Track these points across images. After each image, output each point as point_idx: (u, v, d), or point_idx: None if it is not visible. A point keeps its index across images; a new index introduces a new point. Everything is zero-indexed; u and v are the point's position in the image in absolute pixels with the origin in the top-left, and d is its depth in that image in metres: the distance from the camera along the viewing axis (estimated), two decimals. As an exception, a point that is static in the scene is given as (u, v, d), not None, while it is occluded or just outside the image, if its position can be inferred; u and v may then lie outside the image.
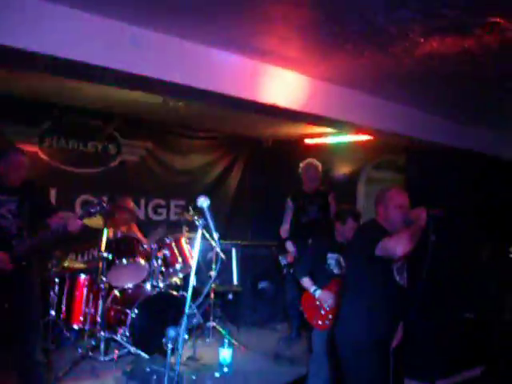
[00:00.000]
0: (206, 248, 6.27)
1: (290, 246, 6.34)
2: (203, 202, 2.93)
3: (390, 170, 8.57)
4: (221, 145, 8.93)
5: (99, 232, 5.61)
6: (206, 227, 2.98)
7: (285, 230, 6.49)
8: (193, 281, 3.03)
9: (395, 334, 4.02)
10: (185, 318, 2.81)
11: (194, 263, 3.00)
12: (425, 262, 3.87)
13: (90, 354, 5.33)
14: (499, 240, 7.98)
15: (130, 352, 5.38)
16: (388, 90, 5.35)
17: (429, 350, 5.63)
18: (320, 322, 4.87)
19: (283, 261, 6.42)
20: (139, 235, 6.31)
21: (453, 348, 5.91)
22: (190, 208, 6.21)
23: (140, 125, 7.76)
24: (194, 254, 3.08)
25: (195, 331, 5.82)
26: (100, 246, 5.53)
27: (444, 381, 4.42)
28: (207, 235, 3.98)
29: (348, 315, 3.95)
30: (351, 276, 4.00)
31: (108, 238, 5.65)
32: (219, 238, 2.91)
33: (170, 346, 2.85)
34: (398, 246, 3.56)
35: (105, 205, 4.27)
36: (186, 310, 2.84)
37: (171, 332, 2.80)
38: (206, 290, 3.00)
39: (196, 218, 5.32)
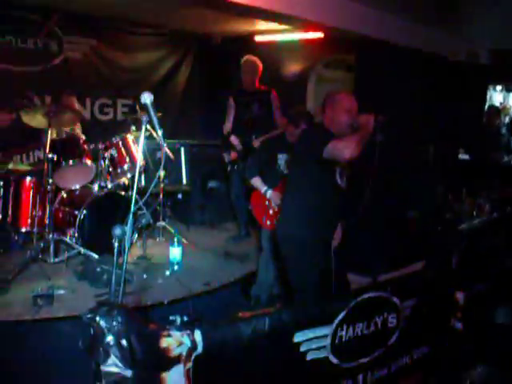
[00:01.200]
0: (154, 148, 6.19)
1: (233, 139, 6.28)
2: (147, 97, 2.84)
3: (340, 69, 8.49)
4: (168, 42, 8.65)
5: (43, 132, 5.44)
6: (151, 124, 2.90)
7: (227, 127, 6.44)
8: (138, 178, 2.99)
9: (334, 234, 4.11)
10: (130, 216, 2.78)
11: (139, 160, 2.94)
12: (372, 165, 3.91)
13: (40, 256, 5.28)
14: (446, 141, 8.13)
15: (79, 253, 5.35)
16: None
17: (372, 247, 5.81)
18: (269, 222, 4.92)
19: (227, 158, 6.39)
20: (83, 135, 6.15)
21: (395, 244, 6.11)
22: (137, 107, 6.07)
23: (83, 20, 7.40)
24: (139, 151, 3.02)
25: (145, 231, 5.83)
26: (45, 147, 5.36)
27: (386, 275, 4.58)
28: (153, 133, 3.88)
29: (289, 213, 4.02)
30: (295, 176, 4.03)
31: (53, 139, 5.48)
32: (163, 134, 2.86)
33: (116, 244, 2.83)
34: (346, 149, 3.58)
35: (35, 99, 4.11)
36: (132, 208, 2.80)
37: (117, 230, 2.77)
38: (150, 187, 2.97)
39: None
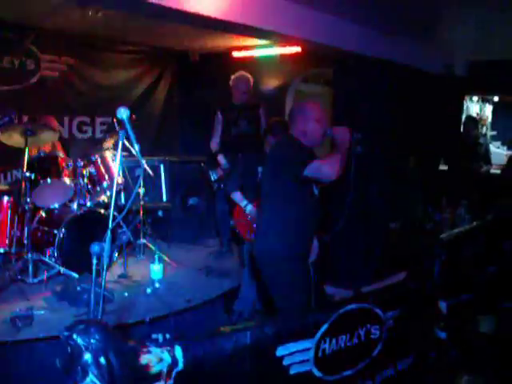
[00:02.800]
0: (133, 165, 6.15)
1: (221, 158, 6.25)
2: (123, 112, 2.81)
3: (318, 84, 8.53)
4: (145, 59, 8.63)
5: (21, 152, 5.39)
6: (128, 139, 2.88)
7: (215, 142, 6.37)
8: (117, 196, 2.96)
9: (312, 247, 4.08)
10: (108, 233, 2.74)
11: (115, 175, 2.90)
12: (349, 175, 3.91)
13: (19, 276, 5.19)
14: (425, 153, 8.18)
15: (59, 272, 5.28)
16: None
17: (353, 259, 5.81)
18: (253, 236, 4.89)
19: (213, 176, 6.36)
20: (62, 154, 6.08)
21: (377, 256, 6.12)
22: (116, 125, 6.03)
23: (59, 38, 7.35)
24: (116, 166, 2.99)
25: (125, 249, 5.77)
26: (22, 166, 5.31)
27: (368, 287, 4.58)
28: (131, 149, 3.86)
29: (266, 228, 3.95)
30: (271, 192, 3.94)
31: (30, 158, 5.43)
32: (140, 150, 2.83)
33: (94, 262, 2.79)
34: (332, 170, 3.56)
35: (13, 116, 4.06)
36: (110, 225, 2.77)
37: (95, 248, 2.74)
38: (128, 204, 2.94)
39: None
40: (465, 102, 9.75)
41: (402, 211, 7.19)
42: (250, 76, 6.33)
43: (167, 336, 2.85)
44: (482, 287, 4.69)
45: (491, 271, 4.96)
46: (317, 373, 2.90)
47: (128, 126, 2.81)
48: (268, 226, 3.94)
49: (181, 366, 2.24)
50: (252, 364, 2.57)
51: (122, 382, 2.07)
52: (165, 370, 2.19)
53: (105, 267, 2.80)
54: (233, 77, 6.33)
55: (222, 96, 6.46)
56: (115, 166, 5.90)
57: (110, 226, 2.78)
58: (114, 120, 5.85)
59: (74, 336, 2.00)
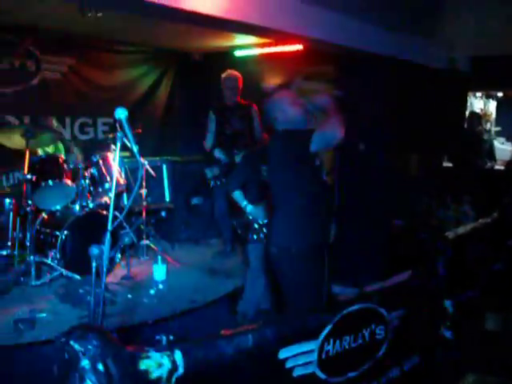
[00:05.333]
0: (137, 166, 6.11)
1: (218, 153, 6.24)
2: (121, 113, 2.79)
3: (320, 81, 8.47)
4: (147, 59, 8.59)
5: (22, 153, 5.37)
6: (127, 140, 2.84)
7: (208, 141, 6.38)
8: (120, 197, 2.92)
9: (329, 237, 4.00)
10: (108, 235, 2.71)
11: (115, 175, 2.86)
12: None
13: (22, 279, 5.18)
14: (429, 150, 8.14)
15: (62, 275, 5.26)
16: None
17: (358, 257, 5.74)
18: (255, 236, 4.84)
19: (209, 173, 6.32)
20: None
21: (381, 254, 6.06)
22: (117, 125, 5.99)
23: (60, 39, 7.32)
24: (115, 166, 2.95)
25: (129, 250, 5.74)
26: (23, 169, 5.29)
27: (372, 286, 4.52)
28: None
29: (280, 224, 3.87)
30: (278, 184, 3.84)
31: (32, 159, 5.42)
32: (140, 150, 2.79)
33: (93, 264, 2.76)
34: (335, 130, 3.47)
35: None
36: (109, 227, 2.73)
37: (94, 250, 2.71)
38: (128, 204, 2.91)
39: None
40: (468, 98, 9.69)
41: (406, 208, 7.14)
42: (238, 73, 6.31)
43: (171, 338, 2.81)
44: (488, 285, 4.64)
45: (497, 268, 4.91)
46: (321, 375, 2.85)
47: (126, 127, 2.78)
48: (282, 222, 3.85)
49: (181, 370, 2.19)
50: (254, 367, 2.52)
51: (121, 389, 2.03)
52: (164, 375, 2.14)
53: (104, 269, 2.77)
54: (222, 76, 6.32)
55: (222, 95, 6.43)
56: (118, 168, 5.89)
57: (109, 227, 2.75)
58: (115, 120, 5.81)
59: (71, 342, 1.96)
